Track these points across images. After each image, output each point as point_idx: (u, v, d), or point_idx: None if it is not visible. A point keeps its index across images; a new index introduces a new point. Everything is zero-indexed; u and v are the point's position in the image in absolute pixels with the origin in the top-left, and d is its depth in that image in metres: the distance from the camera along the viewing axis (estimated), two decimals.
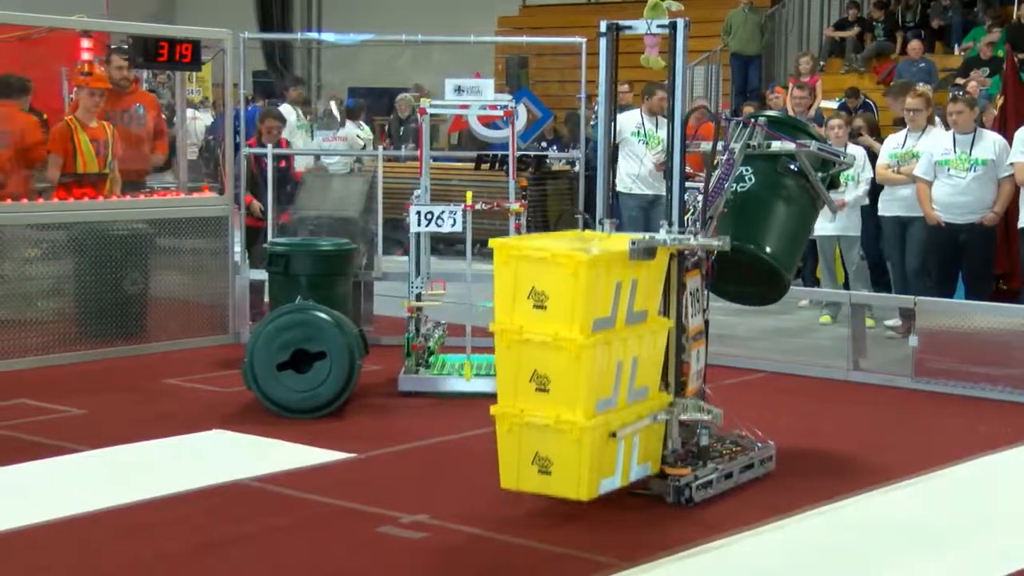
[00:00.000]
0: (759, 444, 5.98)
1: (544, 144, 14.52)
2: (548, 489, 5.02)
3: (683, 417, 5.51)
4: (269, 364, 6.88)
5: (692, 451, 5.67)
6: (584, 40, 10.77)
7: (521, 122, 14.25)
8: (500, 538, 5.06)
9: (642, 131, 10.63)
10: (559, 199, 14.74)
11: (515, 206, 7.71)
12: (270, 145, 9.69)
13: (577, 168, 11.29)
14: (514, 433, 5.02)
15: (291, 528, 5.15)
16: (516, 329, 4.97)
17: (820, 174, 6.19)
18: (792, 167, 6.09)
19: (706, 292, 5.88)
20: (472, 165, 12.76)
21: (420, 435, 6.65)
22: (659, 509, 5.42)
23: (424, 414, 7.14)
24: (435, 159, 15.17)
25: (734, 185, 5.97)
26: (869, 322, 9.15)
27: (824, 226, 10.05)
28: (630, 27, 5.75)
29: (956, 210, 9.10)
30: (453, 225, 7.65)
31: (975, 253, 9.12)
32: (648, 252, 5.17)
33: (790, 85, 13.52)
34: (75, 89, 9.34)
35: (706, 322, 5.94)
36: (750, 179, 6.10)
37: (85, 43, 9.08)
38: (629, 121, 10.64)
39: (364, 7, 22.92)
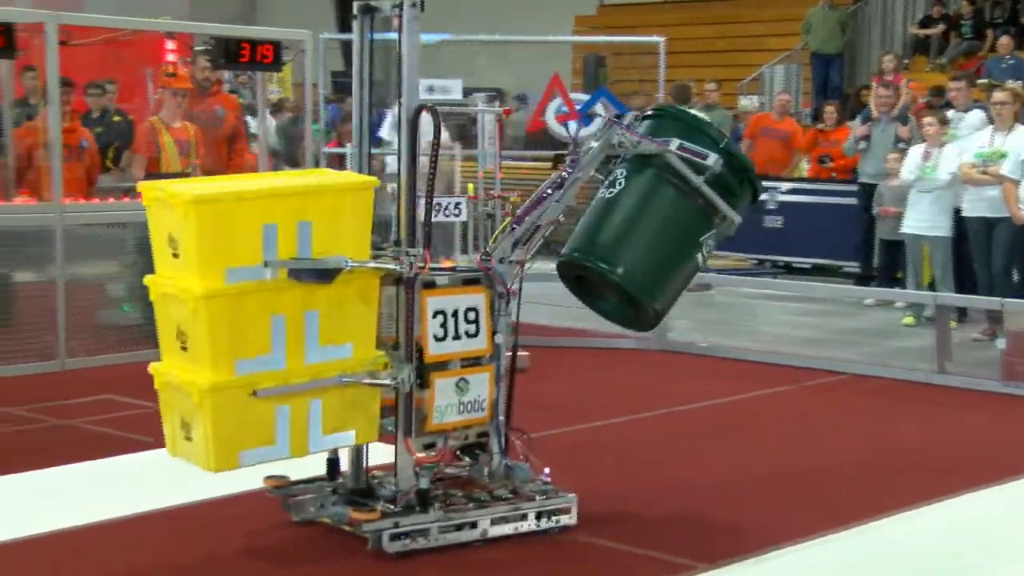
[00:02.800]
0: (550, 492, 5.10)
1: None
2: (191, 457, 4.58)
3: (369, 381, 4.69)
4: None
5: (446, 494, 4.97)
6: (662, 39, 10.74)
7: (600, 121, 14.20)
8: (570, 539, 5.05)
9: None
10: None
11: (513, 196, 8.05)
12: (349, 146, 9.75)
13: None
14: (165, 394, 4.64)
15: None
16: (160, 281, 4.58)
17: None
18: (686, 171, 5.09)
19: (506, 314, 5.04)
20: (549, 164, 12.85)
21: None
22: (744, 512, 5.38)
23: None
24: (510, 157, 15.34)
25: (605, 190, 5.16)
26: (952, 323, 9.00)
27: (914, 224, 10.00)
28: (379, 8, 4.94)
29: None
30: (459, 215, 7.82)
31: None
32: (318, 275, 4.52)
33: (874, 84, 13.34)
34: (159, 90, 9.50)
35: (514, 349, 5.16)
36: (620, 183, 5.19)
37: (169, 45, 9.23)
38: None
39: (442, 7, 22.89)
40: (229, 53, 9.02)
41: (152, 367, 4.65)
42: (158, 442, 6.28)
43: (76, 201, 8.54)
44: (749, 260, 13.63)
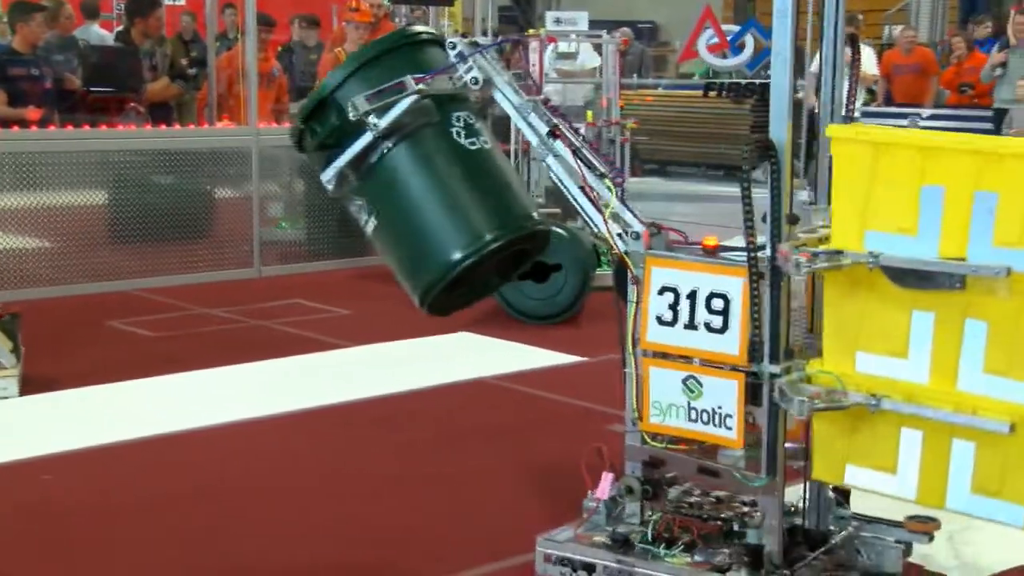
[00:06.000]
0: None
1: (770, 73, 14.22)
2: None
3: None
4: None
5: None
6: None
7: (748, 52, 14.01)
8: None
9: None
10: None
11: (629, 123, 8.25)
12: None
13: (800, 95, 11.04)
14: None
15: (525, 422, 5.28)
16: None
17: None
18: None
19: None
20: (700, 93, 12.87)
21: None
22: None
23: None
24: (665, 87, 15.16)
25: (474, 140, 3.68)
26: None
27: None
28: None
29: None
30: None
31: None
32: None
33: (1012, 12, 12.67)
34: (343, 23, 9.66)
35: None
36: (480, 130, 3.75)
37: None
38: None
39: None
40: None
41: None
42: (342, 342, 6.57)
43: (269, 125, 8.79)
44: None
